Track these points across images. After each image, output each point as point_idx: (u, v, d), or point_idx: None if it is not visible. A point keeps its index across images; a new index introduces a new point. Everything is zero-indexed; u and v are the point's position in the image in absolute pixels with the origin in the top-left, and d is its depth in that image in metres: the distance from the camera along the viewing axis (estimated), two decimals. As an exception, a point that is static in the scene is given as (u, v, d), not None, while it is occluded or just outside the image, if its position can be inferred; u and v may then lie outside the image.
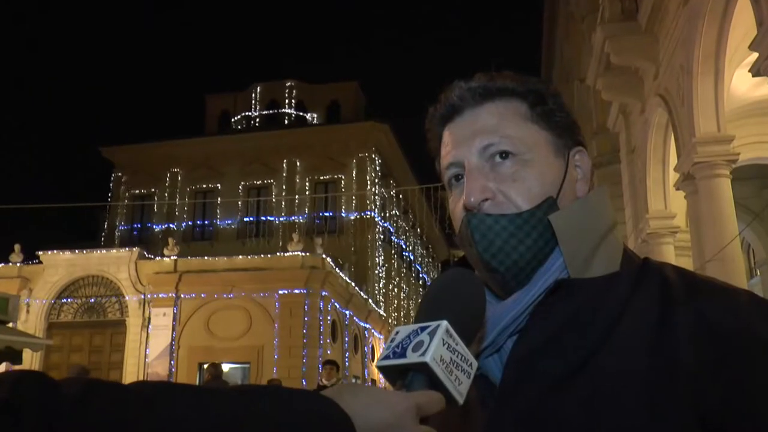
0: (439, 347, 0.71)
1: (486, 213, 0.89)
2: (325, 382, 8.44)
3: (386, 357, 0.74)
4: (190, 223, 30.74)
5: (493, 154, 0.92)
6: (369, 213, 29.47)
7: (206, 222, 30.60)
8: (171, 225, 30.34)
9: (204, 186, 31.05)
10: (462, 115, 0.96)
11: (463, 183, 0.93)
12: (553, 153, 0.94)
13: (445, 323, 0.73)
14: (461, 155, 0.93)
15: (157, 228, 30.58)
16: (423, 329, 0.74)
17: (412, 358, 0.71)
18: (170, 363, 21.08)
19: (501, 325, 0.87)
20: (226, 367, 21.02)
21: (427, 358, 0.70)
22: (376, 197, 30.00)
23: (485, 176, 0.91)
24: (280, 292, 21.12)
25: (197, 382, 18.60)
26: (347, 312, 24.57)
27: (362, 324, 26.94)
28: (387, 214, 32.46)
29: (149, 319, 21.48)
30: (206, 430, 0.59)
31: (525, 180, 0.90)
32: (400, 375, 0.73)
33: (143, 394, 0.60)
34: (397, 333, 0.76)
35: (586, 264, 0.88)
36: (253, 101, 34.74)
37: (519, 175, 0.91)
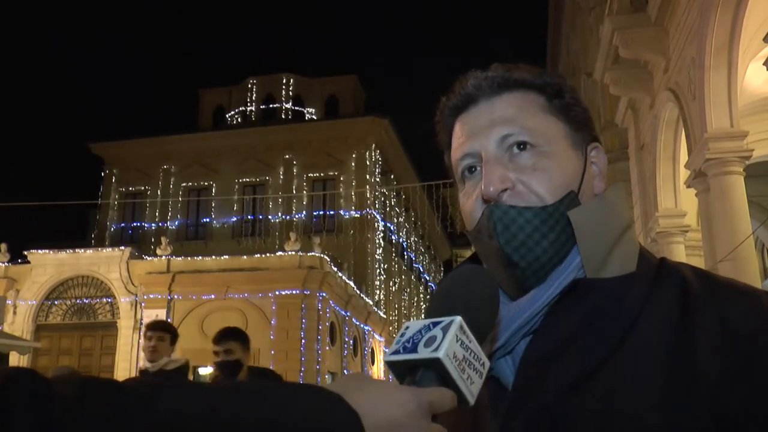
0: (453, 343, 0.70)
1: (508, 204, 0.88)
2: (146, 364, 4.50)
3: (396, 352, 0.72)
4: (183, 221, 30.87)
5: (511, 144, 0.91)
6: (369, 211, 29.58)
7: (200, 220, 30.75)
8: (164, 224, 30.46)
9: (198, 183, 31.24)
10: (477, 105, 0.95)
11: (478, 175, 0.92)
12: (572, 146, 0.93)
13: (459, 319, 0.72)
14: (478, 145, 0.92)
15: (149, 227, 30.67)
16: (435, 324, 0.72)
17: (423, 353, 0.69)
18: (163, 366, 20.81)
19: (515, 326, 0.85)
20: (220, 371, 20.90)
21: (440, 354, 0.68)
22: (376, 195, 30.16)
23: (504, 166, 0.90)
24: (277, 293, 21.06)
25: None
26: (346, 314, 24.53)
27: (362, 326, 26.94)
28: (387, 213, 32.54)
29: (141, 320, 21.21)
30: (207, 430, 0.58)
31: (547, 170, 0.89)
32: (409, 371, 0.71)
33: (141, 394, 0.58)
34: (407, 328, 0.74)
35: (603, 263, 0.87)
36: (249, 96, 34.86)
37: (540, 165, 0.89)
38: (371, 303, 27.87)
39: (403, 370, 0.72)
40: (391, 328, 30.84)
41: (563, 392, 0.80)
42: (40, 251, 21.92)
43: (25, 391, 0.53)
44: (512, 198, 0.88)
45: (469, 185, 0.94)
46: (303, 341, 20.72)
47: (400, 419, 0.64)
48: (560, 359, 0.82)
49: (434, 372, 0.69)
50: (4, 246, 22.13)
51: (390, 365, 0.73)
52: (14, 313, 21.01)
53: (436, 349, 0.69)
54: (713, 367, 0.77)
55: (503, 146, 0.90)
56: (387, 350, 0.76)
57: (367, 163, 30.04)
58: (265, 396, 0.62)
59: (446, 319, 0.72)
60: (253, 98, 34.61)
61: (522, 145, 0.90)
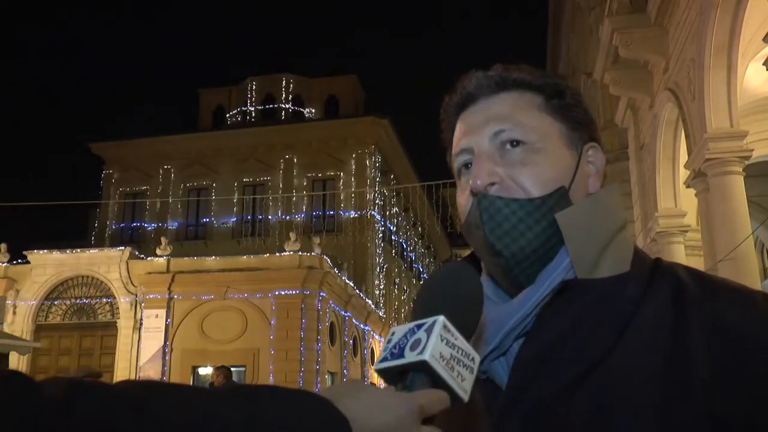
0: (438, 343, 0.70)
1: (496, 195, 0.89)
2: None
3: (384, 359, 0.72)
4: (183, 221, 30.83)
5: (504, 141, 0.92)
6: (368, 211, 29.49)
7: (200, 221, 30.69)
8: (164, 224, 30.39)
9: (198, 183, 31.20)
10: (476, 103, 0.96)
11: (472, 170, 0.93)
12: (566, 145, 0.93)
13: (441, 318, 0.72)
14: (472, 141, 0.94)
15: (149, 227, 30.63)
16: (419, 327, 0.72)
17: (410, 357, 0.70)
18: (163, 366, 20.94)
19: (507, 327, 0.86)
20: (219, 371, 20.84)
21: (426, 356, 0.69)
22: (376, 195, 30.04)
23: (494, 161, 0.91)
24: (277, 293, 20.99)
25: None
26: (346, 314, 24.49)
27: (361, 326, 26.91)
28: (387, 213, 32.54)
29: (141, 320, 21.28)
30: None
31: (536, 165, 0.90)
32: (400, 376, 0.71)
33: (132, 396, 0.58)
34: (393, 333, 0.75)
35: (594, 264, 0.87)
36: (249, 96, 34.82)
37: (529, 160, 0.90)
38: (371, 303, 27.81)
39: (393, 376, 0.72)
40: (390, 328, 30.81)
41: (557, 393, 0.80)
42: (39, 251, 21.84)
43: (14, 394, 0.53)
44: (500, 192, 0.90)
45: (464, 181, 0.95)
46: (303, 341, 20.64)
47: (391, 425, 0.64)
48: (554, 360, 0.82)
49: (424, 374, 0.70)
50: (3, 246, 22.03)
51: (380, 372, 0.73)
52: (14, 313, 20.95)
53: (421, 352, 0.69)
54: (708, 368, 0.77)
55: (496, 142, 0.92)
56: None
57: (367, 163, 29.97)
58: (257, 400, 0.62)
59: (429, 320, 0.72)
60: (253, 98, 34.55)
61: (515, 142, 0.91)
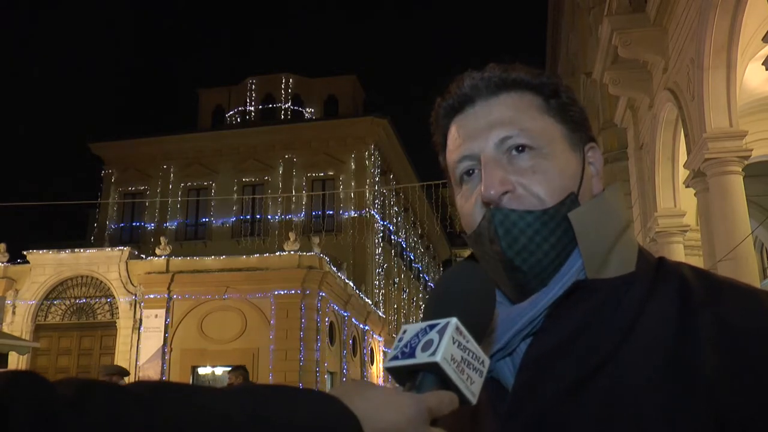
0: (450, 346, 0.70)
1: (509, 208, 0.88)
2: None
3: (395, 357, 0.72)
4: (182, 221, 30.86)
5: (510, 147, 0.90)
6: (368, 211, 29.54)
7: (200, 220, 30.73)
8: (163, 223, 30.42)
9: (197, 183, 31.23)
10: (474, 106, 0.94)
11: (477, 177, 0.91)
12: (570, 148, 0.93)
13: (454, 320, 0.72)
14: (476, 148, 0.91)
15: (148, 227, 30.66)
16: (432, 327, 0.72)
17: (421, 358, 0.70)
18: (162, 366, 20.92)
19: (515, 327, 0.85)
20: (219, 371, 20.82)
21: (438, 358, 0.69)
22: (376, 195, 30.04)
23: (503, 168, 0.89)
24: (276, 292, 20.97)
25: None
26: (345, 313, 24.47)
27: (361, 326, 26.90)
28: (386, 213, 32.49)
29: (140, 320, 21.24)
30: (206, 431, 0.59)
31: (546, 172, 0.89)
32: (409, 376, 0.71)
33: (142, 396, 0.58)
34: (404, 332, 0.75)
35: (603, 264, 0.86)
36: (248, 95, 34.89)
37: (539, 168, 0.89)
38: (370, 303, 27.80)
39: (403, 375, 0.72)
40: (390, 328, 30.76)
41: (563, 393, 0.80)
42: (39, 251, 21.81)
43: (25, 393, 0.53)
44: (512, 201, 0.88)
45: (467, 188, 0.93)
46: (302, 341, 20.62)
47: (400, 425, 0.64)
48: (560, 360, 0.82)
49: (434, 375, 0.69)
50: (3, 246, 21.98)
51: (390, 371, 0.73)
52: (13, 313, 20.92)
53: (433, 353, 0.69)
54: (712, 367, 0.77)
55: (502, 148, 0.89)
56: (387, 351, 0.75)
57: (366, 163, 29.99)
58: (265, 398, 0.62)
59: (442, 322, 0.72)
60: (253, 98, 34.59)
61: (521, 148, 0.89)
